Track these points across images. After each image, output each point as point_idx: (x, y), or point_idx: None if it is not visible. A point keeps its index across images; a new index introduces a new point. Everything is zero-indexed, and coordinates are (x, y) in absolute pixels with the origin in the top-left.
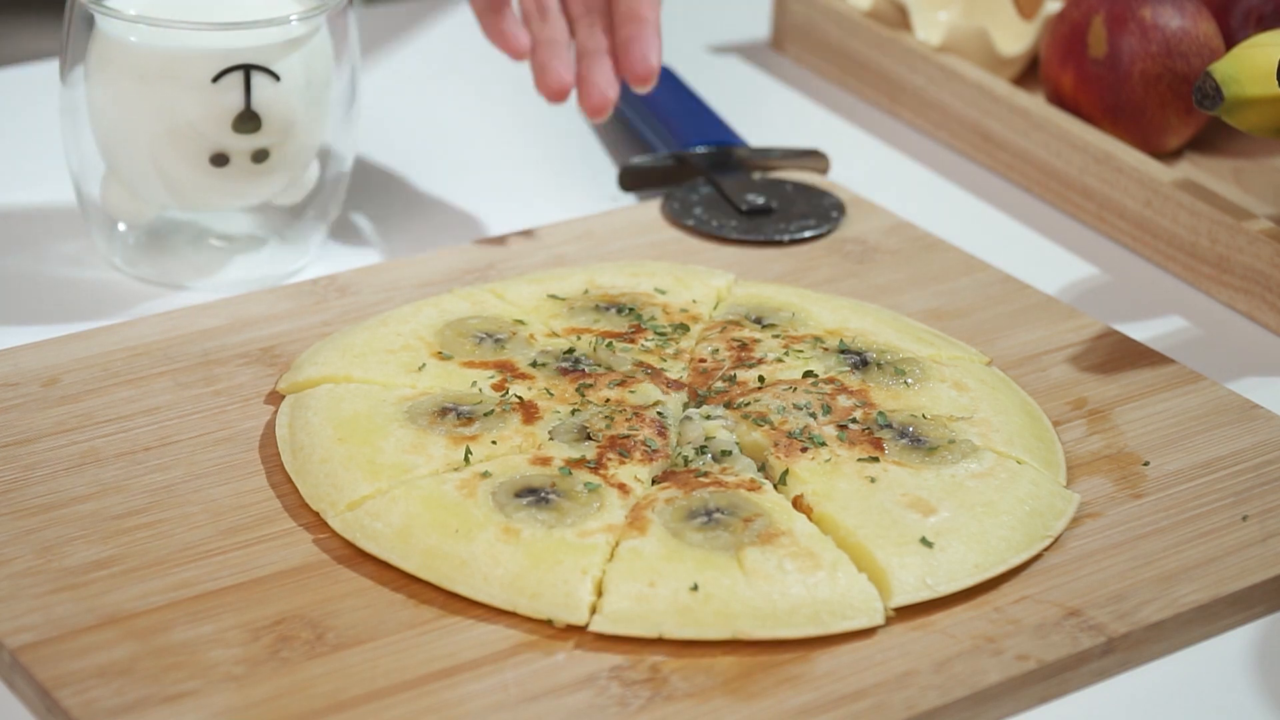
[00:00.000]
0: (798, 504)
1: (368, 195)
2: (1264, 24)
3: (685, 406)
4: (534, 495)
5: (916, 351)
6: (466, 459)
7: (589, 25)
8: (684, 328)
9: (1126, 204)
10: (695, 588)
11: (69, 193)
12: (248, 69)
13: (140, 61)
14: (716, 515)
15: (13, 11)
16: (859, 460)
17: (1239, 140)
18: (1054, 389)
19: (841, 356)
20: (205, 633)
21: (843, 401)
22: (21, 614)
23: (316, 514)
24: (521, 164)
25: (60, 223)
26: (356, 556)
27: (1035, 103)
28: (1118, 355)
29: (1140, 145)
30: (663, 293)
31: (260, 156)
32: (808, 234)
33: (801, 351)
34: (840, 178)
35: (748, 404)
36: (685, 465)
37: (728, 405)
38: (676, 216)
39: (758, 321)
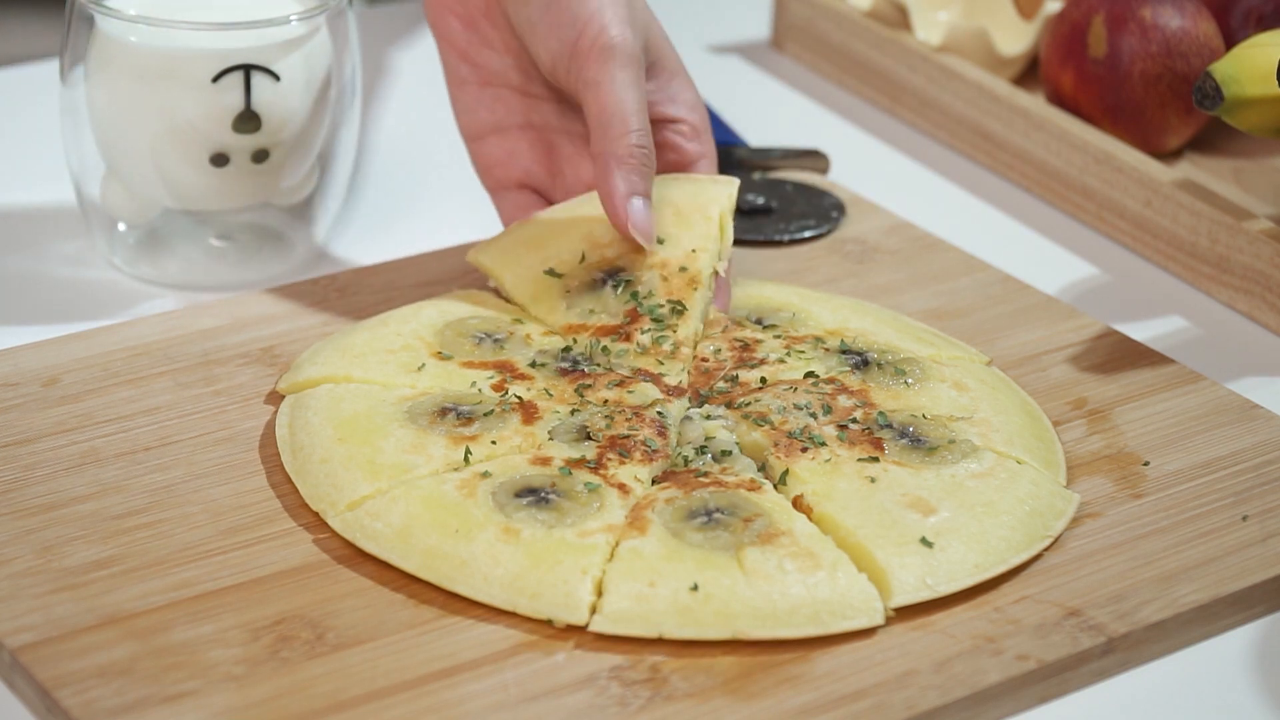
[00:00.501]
0: (798, 504)
1: (368, 195)
2: (1264, 24)
3: (686, 407)
4: (534, 495)
5: (917, 351)
6: (466, 459)
7: None
8: (680, 308)
9: (1126, 204)
10: (695, 588)
11: (69, 193)
12: (248, 69)
13: (140, 61)
14: (716, 515)
15: (13, 11)
16: (859, 460)
17: (1239, 140)
18: (1054, 389)
19: (842, 357)
20: (205, 633)
21: (843, 401)
22: (21, 614)
23: (316, 514)
24: None
25: (60, 223)
26: (356, 556)
27: (1035, 103)
28: (1118, 355)
29: (1140, 145)
30: (661, 243)
31: (260, 156)
32: (808, 234)
33: (803, 352)
34: (840, 178)
35: (748, 404)
36: (685, 465)
37: (728, 405)
38: None
39: (758, 322)
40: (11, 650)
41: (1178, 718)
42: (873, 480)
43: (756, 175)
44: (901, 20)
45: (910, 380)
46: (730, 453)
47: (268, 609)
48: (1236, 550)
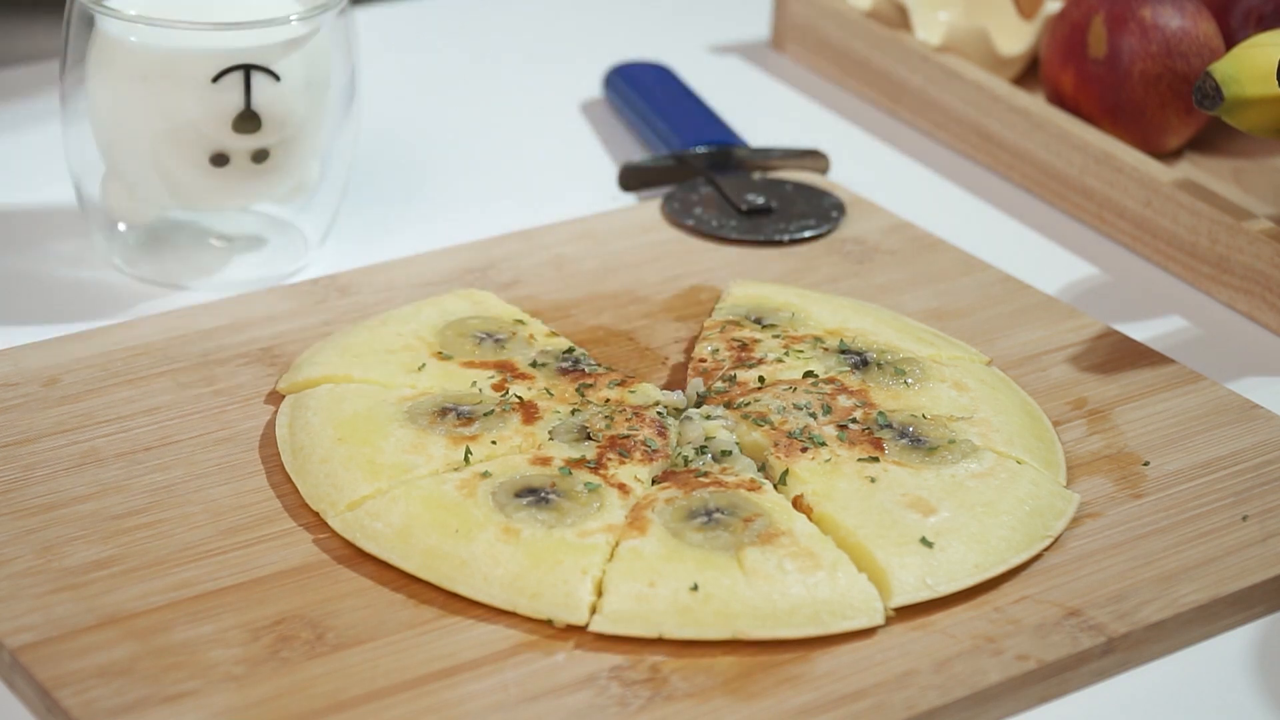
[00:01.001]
0: (798, 504)
1: (368, 195)
2: (1264, 24)
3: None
4: (534, 495)
5: (916, 351)
6: (466, 459)
7: None
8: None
9: (1126, 204)
10: (695, 588)
11: (69, 193)
12: (248, 69)
13: (140, 61)
14: (716, 515)
15: (13, 11)
16: (859, 460)
17: (1239, 140)
18: (1054, 389)
19: (841, 356)
20: (205, 633)
21: (843, 401)
22: (21, 614)
23: (316, 514)
24: (521, 164)
25: (60, 223)
26: (356, 556)
27: (1035, 103)
28: (1118, 355)
29: (1140, 145)
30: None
31: (260, 156)
32: (808, 234)
33: (802, 352)
34: (840, 178)
35: (748, 404)
36: (685, 465)
37: (728, 405)
38: (676, 216)
39: (758, 322)
40: (11, 650)
41: (1178, 718)
42: (873, 480)
43: (756, 175)
44: (901, 20)
45: (910, 380)
46: (730, 453)
47: (268, 609)
48: (1236, 550)
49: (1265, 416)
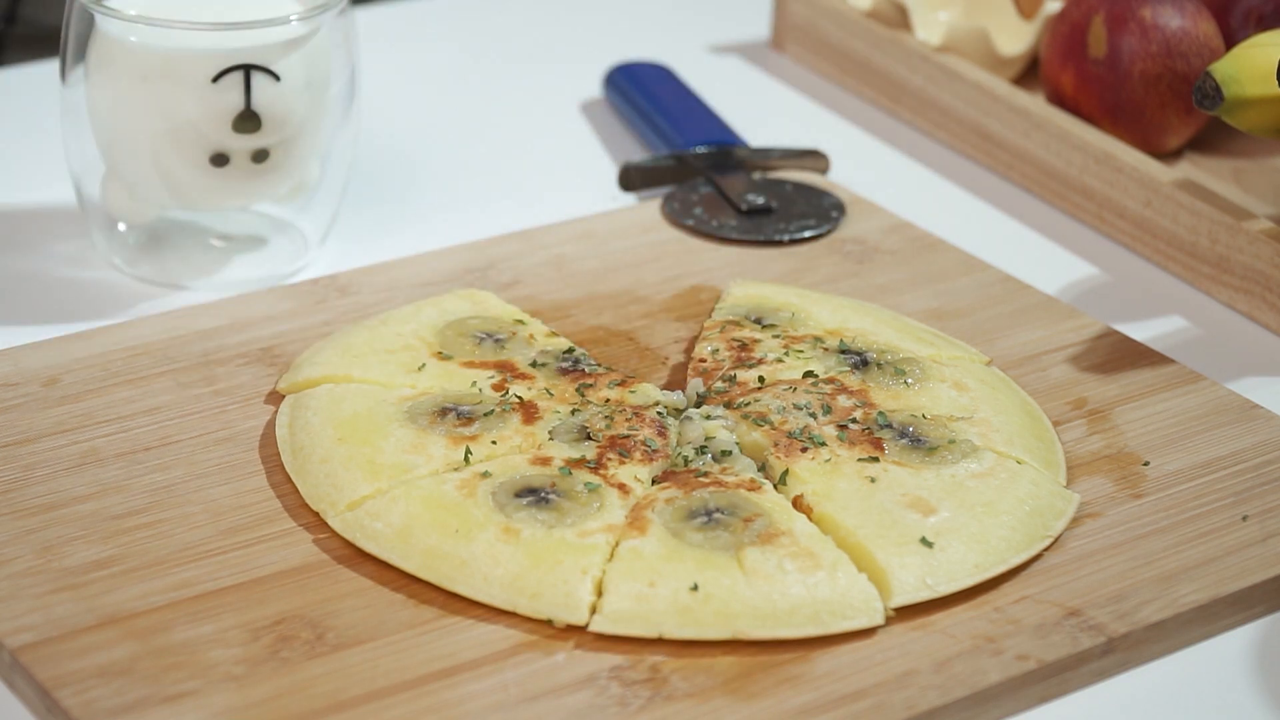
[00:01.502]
0: (798, 504)
1: (368, 195)
2: (1264, 24)
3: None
4: (534, 495)
5: (916, 351)
6: (466, 459)
7: None
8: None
9: (1126, 204)
10: (695, 588)
11: (69, 193)
12: (248, 69)
13: (140, 61)
14: (716, 515)
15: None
16: (859, 460)
17: (1239, 140)
18: (1054, 389)
19: (841, 356)
20: (205, 633)
21: (843, 401)
22: (21, 614)
23: (316, 514)
24: (521, 164)
25: (60, 223)
26: (356, 556)
27: (1035, 103)
28: (1118, 355)
29: (1140, 145)
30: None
31: (260, 156)
32: (808, 234)
33: (801, 352)
34: (840, 178)
35: (748, 404)
36: (685, 465)
37: (728, 405)
38: (676, 216)
39: (758, 322)
40: (11, 650)
41: (1178, 718)
42: (873, 480)
43: (756, 175)
44: (901, 20)
45: (910, 380)
46: (730, 453)
47: (268, 609)
48: (1236, 550)
49: (1265, 416)
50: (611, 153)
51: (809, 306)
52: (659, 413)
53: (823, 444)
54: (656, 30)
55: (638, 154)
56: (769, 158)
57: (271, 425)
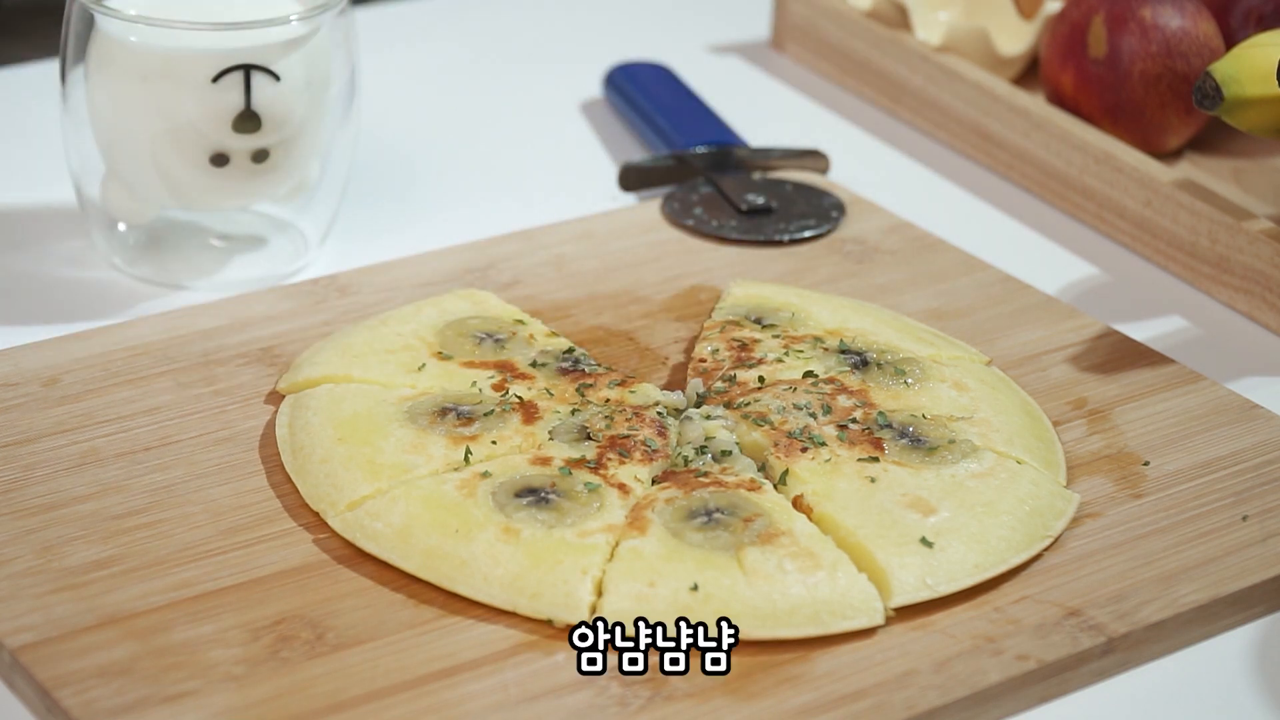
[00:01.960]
0: (798, 504)
1: (368, 195)
2: (1264, 24)
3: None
4: (534, 495)
5: (916, 351)
6: (466, 459)
7: None
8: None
9: (1126, 204)
10: (695, 588)
11: (69, 193)
12: (248, 69)
13: (140, 61)
14: (716, 515)
15: (13, 12)
16: (859, 460)
17: (1239, 140)
18: (1054, 389)
19: (841, 356)
20: (205, 633)
21: (843, 401)
22: (21, 614)
23: (316, 514)
24: (521, 164)
25: (60, 223)
26: (356, 556)
27: (1035, 103)
28: (1118, 355)
29: (1140, 145)
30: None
31: (260, 156)
32: (808, 234)
33: (801, 351)
34: (840, 178)
35: (748, 404)
36: (685, 465)
37: (728, 405)
38: (676, 216)
39: (758, 321)
40: (11, 650)
41: (1178, 718)
42: (873, 480)
43: (756, 175)
44: (901, 20)
45: (910, 380)
46: (730, 453)
47: (268, 609)
48: (1236, 550)
49: (1265, 416)
50: (611, 153)
51: (809, 306)
52: (659, 413)
53: (823, 444)
54: (656, 30)
55: (638, 154)
56: (769, 158)
57: (271, 425)
